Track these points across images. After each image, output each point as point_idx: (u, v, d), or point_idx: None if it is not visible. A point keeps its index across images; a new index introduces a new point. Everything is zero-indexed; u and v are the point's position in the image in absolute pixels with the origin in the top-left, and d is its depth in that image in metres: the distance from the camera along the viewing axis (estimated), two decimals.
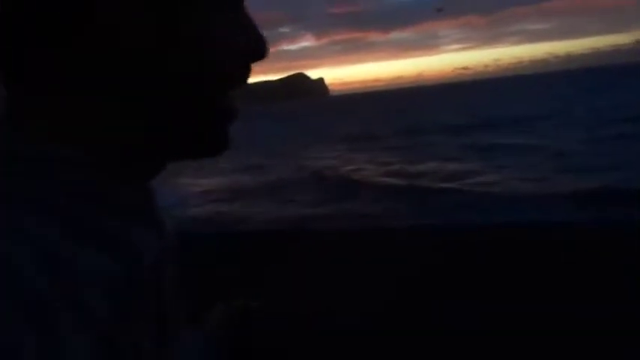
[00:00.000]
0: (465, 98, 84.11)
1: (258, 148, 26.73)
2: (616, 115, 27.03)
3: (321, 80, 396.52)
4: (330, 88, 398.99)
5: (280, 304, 1.09)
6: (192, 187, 15.73)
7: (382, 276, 5.31)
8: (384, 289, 4.91)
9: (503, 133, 24.89)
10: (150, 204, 0.50)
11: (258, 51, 0.49)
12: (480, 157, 17.99)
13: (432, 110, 57.22)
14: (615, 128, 21.82)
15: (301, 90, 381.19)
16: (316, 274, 5.35)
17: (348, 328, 4.01)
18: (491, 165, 16.11)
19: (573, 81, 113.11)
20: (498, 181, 13.72)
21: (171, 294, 0.51)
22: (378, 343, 3.90)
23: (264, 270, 5.66)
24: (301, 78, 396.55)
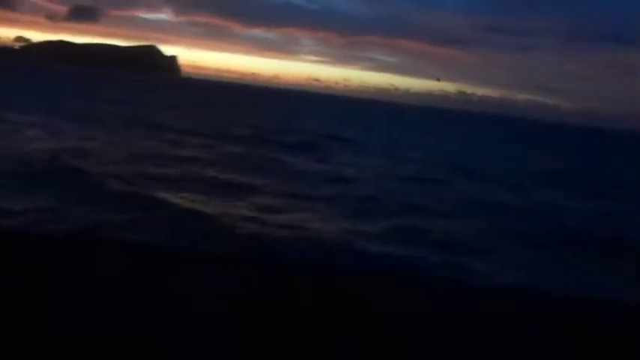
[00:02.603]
0: (299, 108, 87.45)
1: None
2: (411, 155, 29.90)
3: (174, 58, 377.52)
4: (183, 68, 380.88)
5: None
6: None
7: None
8: None
9: (292, 150, 25.41)
10: None
11: None
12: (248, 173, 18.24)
13: (261, 114, 57.71)
14: (404, 168, 23.28)
15: (151, 63, 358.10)
16: None
17: None
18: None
19: (400, 114, 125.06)
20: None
21: None
22: None
23: None
24: (153, 51, 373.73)
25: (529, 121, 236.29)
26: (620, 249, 12.60)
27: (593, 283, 9.98)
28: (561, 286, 9.39)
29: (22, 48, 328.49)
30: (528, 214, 16.06)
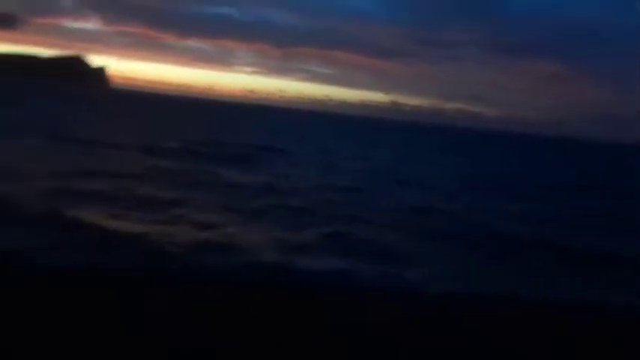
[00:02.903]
0: (236, 119, 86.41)
1: None
2: (345, 165, 30.11)
3: (102, 69, 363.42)
4: (112, 79, 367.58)
5: None
6: None
7: None
8: None
9: (224, 161, 24.91)
10: None
11: None
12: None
13: (194, 126, 56.45)
14: (338, 179, 23.30)
15: (78, 74, 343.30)
16: None
17: None
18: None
19: (335, 124, 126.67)
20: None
21: None
22: None
23: None
24: (79, 61, 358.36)
25: (458, 129, 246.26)
26: (541, 249, 13.22)
27: (517, 282, 10.34)
28: (490, 287, 9.66)
29: None
30: (460, 218, 16.54)
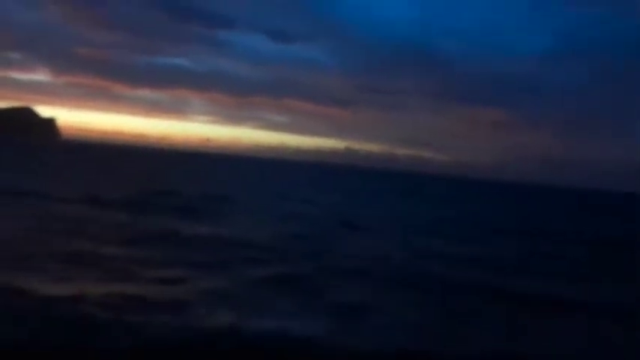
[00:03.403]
0: (194, 168, 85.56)
1: None
2: (300, 210, 30.00)
3: (52, 120, 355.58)
4: (63, 131, 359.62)
5: None
6: None
7: None
8: None
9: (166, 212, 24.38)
10: None
11: None
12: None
13: (145, 176, 55.41)
14: (291, 226, 23.14)
15: (27, 126, 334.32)
16: None
17: None
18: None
19: (291, 171, 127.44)
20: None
21: None
22: None
23: None
24: (28, 112, 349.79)
25: (411, 174, 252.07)
26: (486, 295, 13.37)
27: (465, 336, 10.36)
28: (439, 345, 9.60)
29: None
30: (410, 264, 16.61)
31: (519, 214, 49.52)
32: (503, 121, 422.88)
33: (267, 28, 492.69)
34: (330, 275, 13.84)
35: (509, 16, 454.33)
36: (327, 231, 23.07)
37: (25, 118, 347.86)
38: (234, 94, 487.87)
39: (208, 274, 12.87)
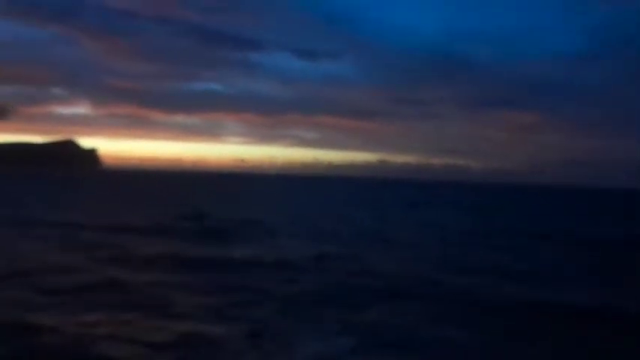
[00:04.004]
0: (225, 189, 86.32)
1: None
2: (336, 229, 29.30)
3: (93, 150, 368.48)
4: (104, 160, 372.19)
5: None
6: None
7: None
8: None
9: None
10: None
11: None
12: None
13: (179, 200, 55.98)
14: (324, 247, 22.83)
15: (70, 157, 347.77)
16: None
17: None
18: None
19: (326, 186, 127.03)
20: None
21: None
22: None
23: None
24: (71, 144, 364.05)
25: (447, 183, 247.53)
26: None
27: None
28: None
29: None
30: (460, 290, 15.73)
31: (564, 218, 47.43)
32: (538, 124, 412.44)
33: (294, 47, 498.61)
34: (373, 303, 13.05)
35: (540, 17, 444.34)
36: (368, 249, 22.30)
37: (68, 150, 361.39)
38: (265, 113, 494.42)
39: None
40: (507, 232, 31.27)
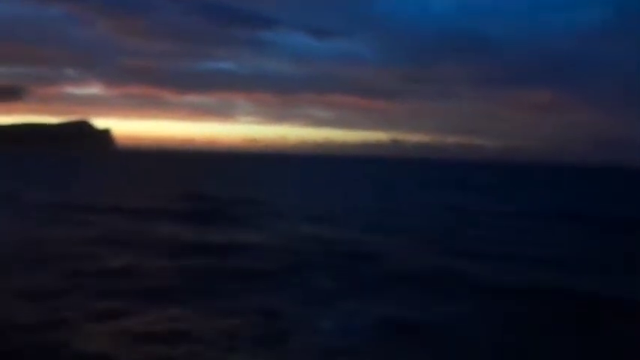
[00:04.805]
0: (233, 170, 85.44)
1: None
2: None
3: (107, 131, 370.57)
4: (118, 140, 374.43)
5: None
6: None
7: None
8: None
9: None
10: None
11: None
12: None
13: (188, 181, 55.15)
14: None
15: (84, 138, 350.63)
16: None
17: None
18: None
19: (339, 166, 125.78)
20: None
21: None
22: None
23: None
24: (85, 125, 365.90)
25: (462, 162, 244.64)
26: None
27: None
28: None
29: None
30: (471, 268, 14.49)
31: (589, 199, 45.67)
32: (554, 102, 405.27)
33: (308, 26, 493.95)
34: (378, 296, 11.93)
35: None
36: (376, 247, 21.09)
37: (82, 130, 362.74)
38: (278, 93, 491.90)
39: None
40: (528, 214, 29.84)
